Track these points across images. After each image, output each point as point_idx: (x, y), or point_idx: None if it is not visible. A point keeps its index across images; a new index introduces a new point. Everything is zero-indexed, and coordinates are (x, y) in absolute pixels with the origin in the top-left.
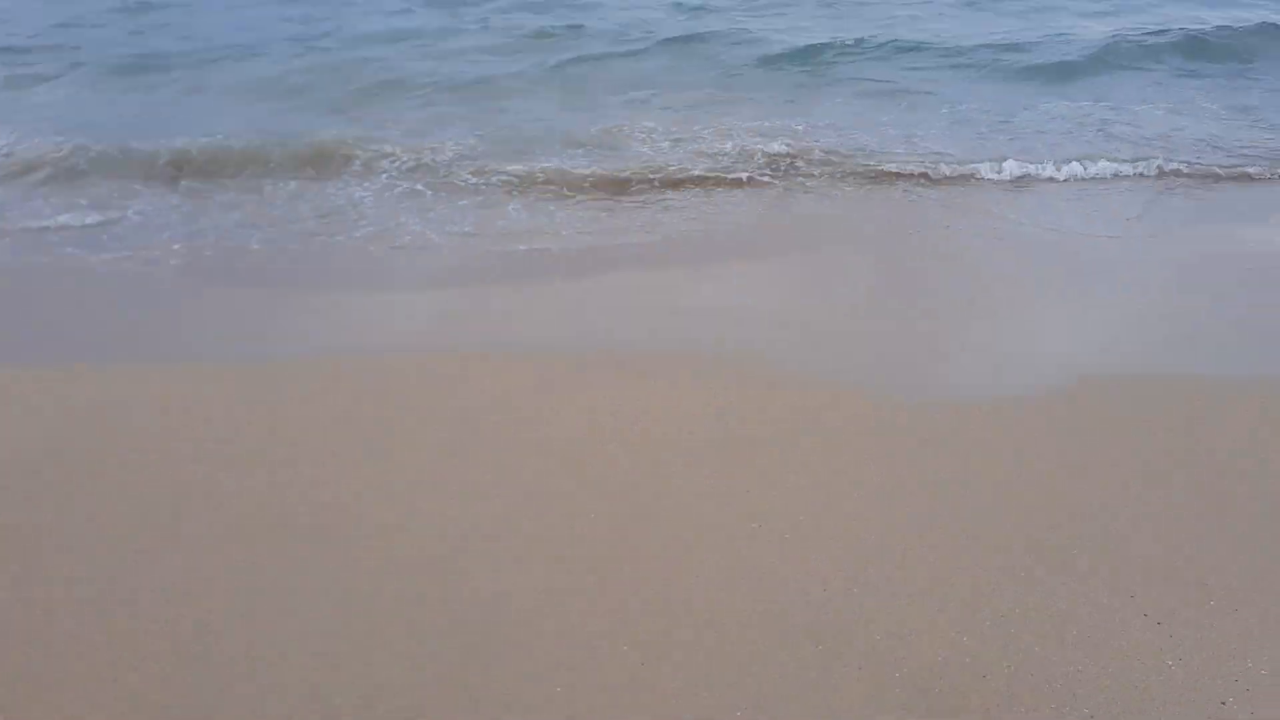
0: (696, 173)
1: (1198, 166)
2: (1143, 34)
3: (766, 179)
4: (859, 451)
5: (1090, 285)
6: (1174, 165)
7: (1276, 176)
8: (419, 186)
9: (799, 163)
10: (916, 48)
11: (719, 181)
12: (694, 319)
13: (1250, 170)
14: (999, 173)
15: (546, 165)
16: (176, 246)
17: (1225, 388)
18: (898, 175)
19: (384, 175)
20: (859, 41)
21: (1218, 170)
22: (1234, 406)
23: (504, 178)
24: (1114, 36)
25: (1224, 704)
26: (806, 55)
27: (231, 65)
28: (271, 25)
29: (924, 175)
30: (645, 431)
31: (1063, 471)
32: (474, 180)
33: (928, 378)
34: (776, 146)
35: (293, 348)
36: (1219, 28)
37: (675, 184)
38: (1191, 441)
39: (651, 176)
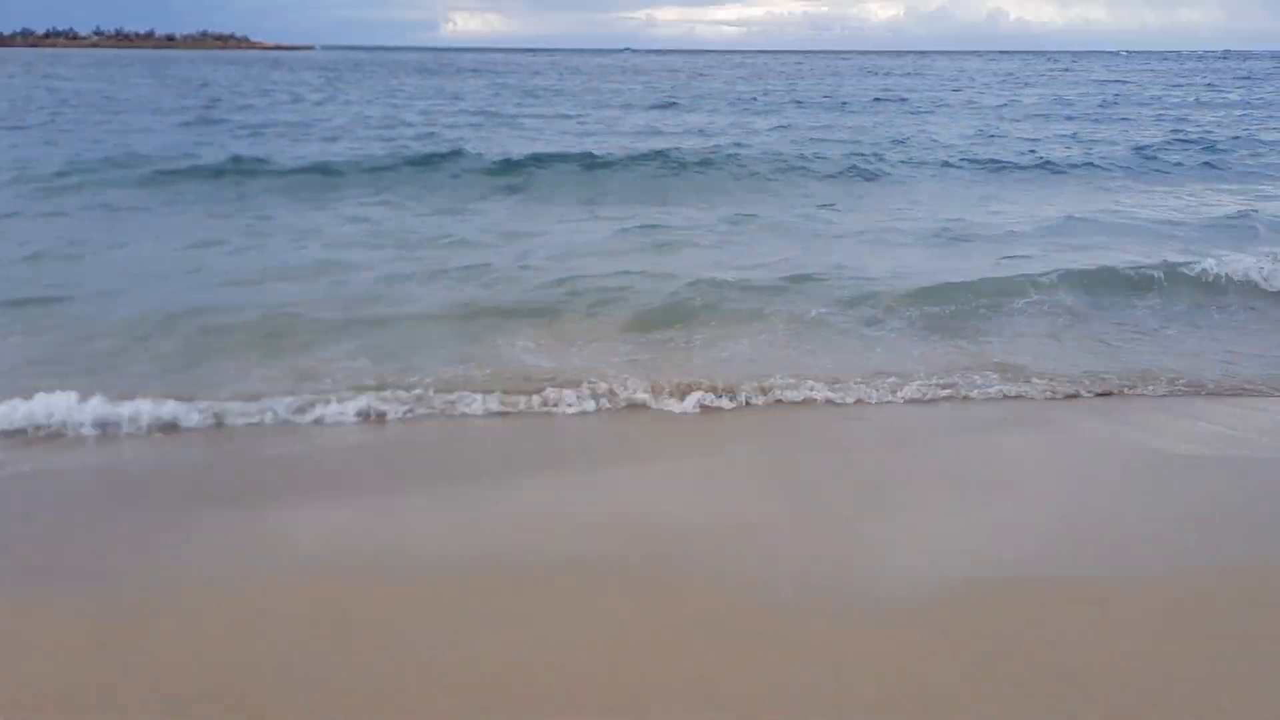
0: (596, 393)
1: (1059, 382)
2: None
3: (652, 403)
4: (750, 658)
5: (966, 493)
6: (1033, 383)
7: (1134, 392)
8: (310, 399)
9: (694, 389)
10: (809, 278)
11: (609, 402)
12: (592, 529)
13: (1110, 387)
14: (884, 392)
15: (440, 379)
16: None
17: (1098, 587)
18: (797, 401)
19: (273, 398)
20: (793, 279)
21: (1081, 388)
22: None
23: (398, 395)
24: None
25: None
26: (706, 288)
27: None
28: (177, 259)
29: (812, 398)
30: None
31: (954, 679)
32: (369, 392)
33: (824, 585)
34: (662, 378)
35: (164, 577)
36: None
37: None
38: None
39: (553, 405)
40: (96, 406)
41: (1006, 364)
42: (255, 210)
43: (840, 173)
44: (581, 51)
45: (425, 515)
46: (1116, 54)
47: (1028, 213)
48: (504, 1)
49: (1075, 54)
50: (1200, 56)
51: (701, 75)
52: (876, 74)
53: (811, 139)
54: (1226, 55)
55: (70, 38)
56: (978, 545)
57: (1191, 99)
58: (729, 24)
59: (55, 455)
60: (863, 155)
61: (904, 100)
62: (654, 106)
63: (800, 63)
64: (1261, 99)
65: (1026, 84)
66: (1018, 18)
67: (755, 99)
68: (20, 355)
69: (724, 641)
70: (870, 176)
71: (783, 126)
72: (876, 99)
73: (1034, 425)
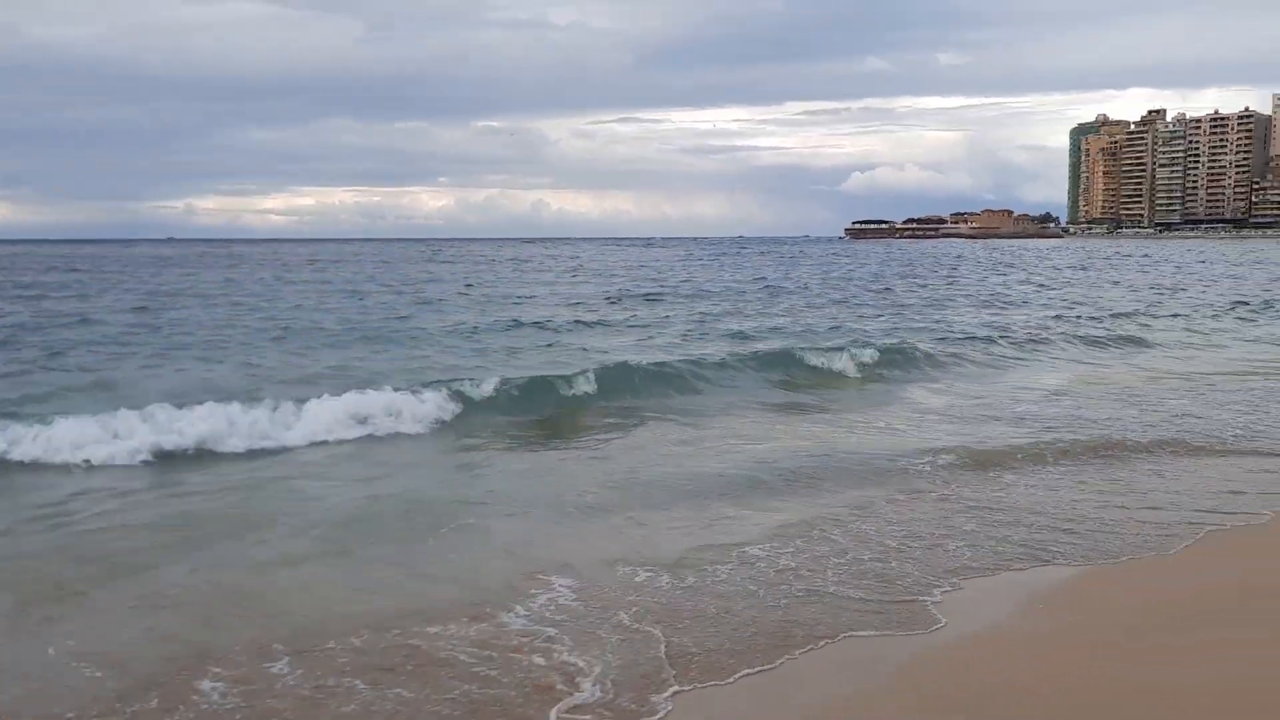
0: None
1: None
2: None
3: None
4: None
5: None
6: None
7: None
8: None
9: None
10: None
11: None
12: None
13: None
14: None
15: None
16: None
17: None
18: None
19: None
20: None
21: None
22: None
23: None
24: None
25: None
26: None
27: None
28: None
29: None
30: None
31: None
32: None
33: None
34: None
35: None
36: None
37: None
38: None
39: None
40: None
41: None
42: None
43: None
44: (117, 241)
45: None
46: (651, 240)
47: None
48: (17, 189)
49: (617, 239)
50: (735, 241)
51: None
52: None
53: None
54: (741, 239)
55: None
56: None
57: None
58: (276, 213)
59: None
60: None
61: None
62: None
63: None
64: None
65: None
66: (559, 208)
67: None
68: None
69: None
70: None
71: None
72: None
73: None
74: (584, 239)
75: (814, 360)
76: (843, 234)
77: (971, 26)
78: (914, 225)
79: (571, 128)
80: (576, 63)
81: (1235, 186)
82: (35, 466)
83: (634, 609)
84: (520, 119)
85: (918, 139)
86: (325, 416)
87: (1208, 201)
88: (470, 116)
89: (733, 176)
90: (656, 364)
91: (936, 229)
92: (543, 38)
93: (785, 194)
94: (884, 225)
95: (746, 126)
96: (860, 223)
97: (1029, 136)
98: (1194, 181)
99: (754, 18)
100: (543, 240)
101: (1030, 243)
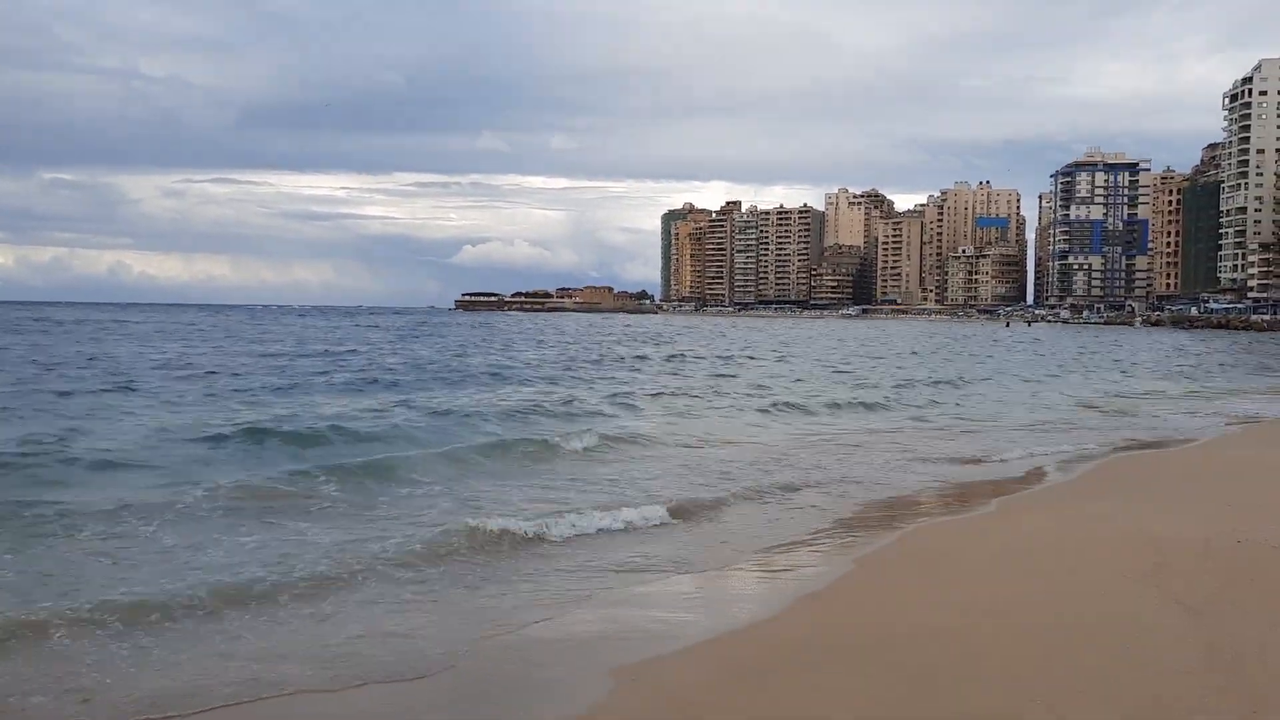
0: None
1: None
2: None
3: None
4: None
5: None
6: None
7: None
8: None
9: None
10: None
11: None
12: None
13: None
14: None
15: None
16: None
17: None
18: None
19: None
20: None
21: None
22: None
23: None
24: None
25: None
26: None
27: None
28: None
29: None
30: None
31: None
32: None
33: None
34: None
35: None
36: None
37: None
38: None
39: None
40: None
41: None
42: None
43: None
44: None
45: None
46: (263, 307)
47: None
48: None
49: (216, 306)
50: (352, 310)
51: None
52: None
53: None
54: (360, 309)
55: None
56: None
57: None
58: None
59: None
60: None
61: None
62: None
63: None
64: None
65: None
66: (141, 271)
67: None
68: None
69: None
70: None
71: None
72: None
73: None
74: (174, 305)
75: None
76: (454, 305)
77: (578, 114)
78: (523, 298)
79: (159, 185)
80: (170, 117)
81: (798, 272)
82: None
83: None
84: (99, 173)
85: (526, 216)
86: None
87: (776, 284)
88: (36, 167)
89: (339, 244)
90: None
91: (543, 303)
92: (132, 88)
93: (396, 264)
94: (494, 297)
95: (354, 194)
96: (470, 294)
97: (627, 219)
98: (765, 267)
99: (372, 88)
100: (127, 306)
101: (633, 317)
